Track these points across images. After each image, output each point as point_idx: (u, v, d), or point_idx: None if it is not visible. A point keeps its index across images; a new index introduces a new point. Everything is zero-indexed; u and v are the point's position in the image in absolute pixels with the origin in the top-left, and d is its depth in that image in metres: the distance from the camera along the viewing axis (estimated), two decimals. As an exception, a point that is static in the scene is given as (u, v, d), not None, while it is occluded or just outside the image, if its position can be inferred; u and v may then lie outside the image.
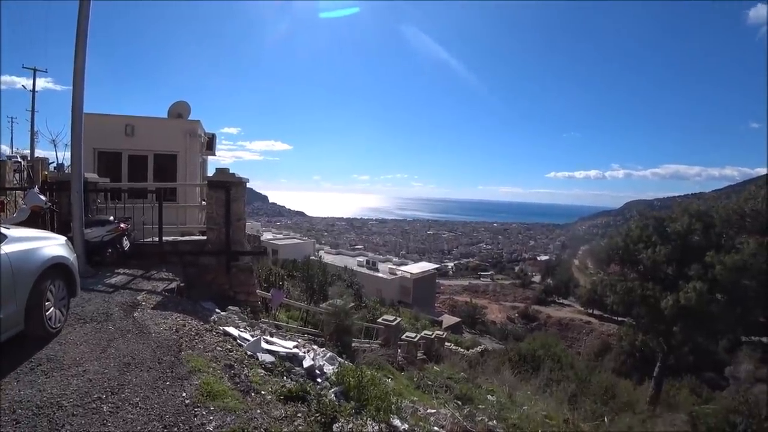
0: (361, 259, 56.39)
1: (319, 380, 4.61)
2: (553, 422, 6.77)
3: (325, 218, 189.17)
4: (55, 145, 21.63)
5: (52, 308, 4.14)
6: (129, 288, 6.28)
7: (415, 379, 8.72)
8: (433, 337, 15.37)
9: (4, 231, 3.81)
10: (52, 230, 6.60)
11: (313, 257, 36.53)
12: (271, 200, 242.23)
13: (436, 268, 62.49)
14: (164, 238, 8.00)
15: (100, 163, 11.41)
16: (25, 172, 16.13)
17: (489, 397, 8.31)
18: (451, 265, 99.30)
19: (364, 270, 48.73)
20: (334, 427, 3.39)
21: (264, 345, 5.02)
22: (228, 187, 7.61)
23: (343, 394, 4.18)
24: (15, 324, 3.66)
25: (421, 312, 35.48)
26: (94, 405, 3.10)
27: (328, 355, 5.82)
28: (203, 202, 10.35)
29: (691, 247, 22.28)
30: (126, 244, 7.65)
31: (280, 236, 55.34)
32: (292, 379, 4.30)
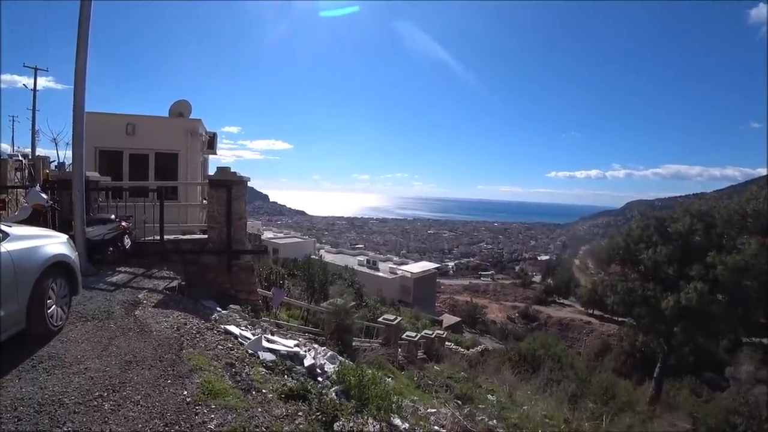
0: (361, 258, 56.40)
1: (320, 379, 4.62)
2: (553, 422, 6.77)
3: (325, 217, 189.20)
4: (56, 144, 21.70)
5: (53, 306, 4.15)
6: (130, 286, 6.29)
7: (416, 379, 8.72)
8: (433, 336, 15.37)
9: (6, 229, 3.82)
10: (54, 228, 6.61)
11: (314, 256, 36.56)
12: (271, 199, 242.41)
13: (437, 268, 62.49)
14: (165, 237, 8.01)
15: (101, 161, 11.41)
16: (27, 171, 16.14)
17: (489, 396, 8.32)
18: (451, 264, 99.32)
19: (365, 269, 48.73)
20: (335, 425, 3.39)
21: (265, 344, 5.03)
22: (229, 186, 7.63)
23: (344, 393, 4.18)
24: (17, 322, 3.66)
25: (422, 311, 35.49)
26: (96, 403, 3.11)
27: (328, 353, 5.84)
28: (204, 201, 10.36)
29: (693, 248, 22.25)
30: (127, 242, 7.67)
31: (281, 235, 55.32)
32: (293, 378, 4.30)
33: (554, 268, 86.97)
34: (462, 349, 20.36)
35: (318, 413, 3.49)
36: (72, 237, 5.33)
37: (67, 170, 11.30)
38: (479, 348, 23.98)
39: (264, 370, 4.31)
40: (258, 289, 8.43)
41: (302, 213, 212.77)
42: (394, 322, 12.25)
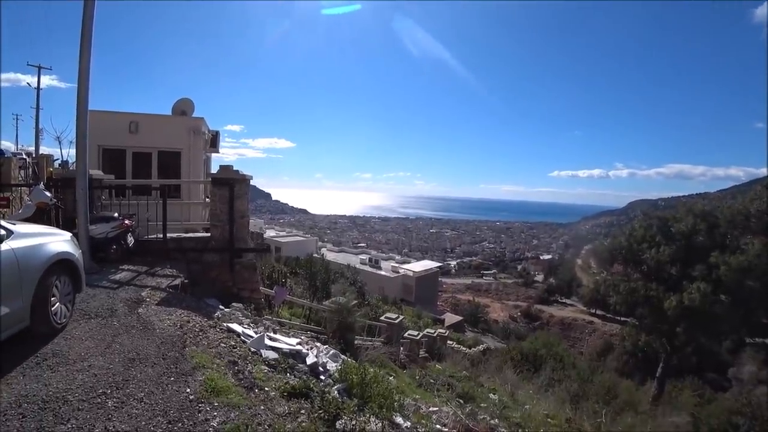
0: (363, 257, 56.46)
1: (322, 377, 4.63)
2: (555, 422, 6.78)
3: (327, 216, 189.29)
4: (59, 142, 21.71)
5: (57, 304, 4.16)
6: (133, 284, 6.31)
7: (418, 377, 8.73)
8: (435, 335, 15.38)
9: (10, 227, 3.83)
10: (57, 226, 6.64)
11: (316, 255, 36.59)
12: (274, 198, 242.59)
13: (439, 267, 62.55)
14: (168, 235, 8.03)
15: (104, 160, 11.45)
16: (30, 169, 16.17)
17: (491, 395, 8.31)
18: (453, 263, 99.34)
19: (367, 268, 48.78)
20: (337, 423, 3.40)
21: (267, 342, 5.05)
22: (232, 184, 7.64)
23: (346, 391, 4.19)
24: (21, 319, 3.68)
25: (424, 310, 35.51)
26: (99, 400, 3.12)
27: (331, 352, 5.84)
28: (207, 199, 10.38)
29: (696, 248, 22.21)
30: (130, 240, 7.69)
31: (283, 234, 55.44)
32: (295, 376, 4.31)
33: (556, 267, 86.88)
34: (464, 348, 20.37)
35: (320, 411, 3.50)
36: (75, 235, 5.36)
37: (71, 168, 11.35)
38: (481, 347, 23.97)
39: (266, 368, 4.32)
40: (260, 288, 8.44)
41: (304, 211, 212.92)
42: (396, 321, 12.26)
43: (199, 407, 3.21)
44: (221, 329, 5.22)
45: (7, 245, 3.60)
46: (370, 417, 3.65)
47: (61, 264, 4.27)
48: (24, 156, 18.36)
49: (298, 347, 5.20)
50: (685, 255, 22.47)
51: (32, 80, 31.97)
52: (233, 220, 7.67)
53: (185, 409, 3.17)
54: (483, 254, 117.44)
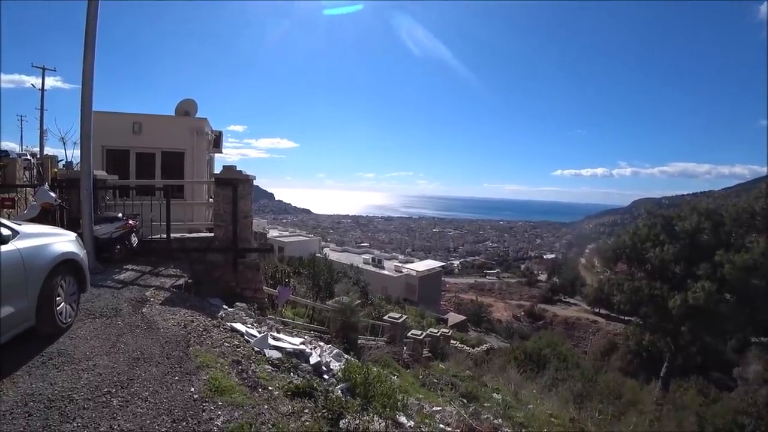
0: (366, 256, 56.44)
1: (325, 377, 4.63)
2: (559, 421, 6.76)
3: (330, 216, 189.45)
4: (63, 143, 21.81)
5: (62, 303, 4.19)
6: (137, 284, 6.34)
7: (421, 377, 8.74)
8: (438, 334, 15.38)
9: (15, 227, 3.86)
10: (62, 227, 6.68)
11: (319, 255, 36.62)
12: (277, 198, 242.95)
13: (442, 266, 62.47)
14: (172, 235, 8.05)
15: (108, 160, 11.51)
16: (35, 170, 16.27)
17: (494, 395, 8.30)
18: (456, 263, 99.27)
19: (370, 267, 48.74)
20: (341, 423, 3.40)
21: (271, 341, 5.06)
22: (235, 185, 7.66)
23: (350, 390, 4.20)
24: (27, 319, 3.70)
25: (427, 310, 35.50)
26: (105, 399, 3.14)
27: (334, 351, 5.85)
28: (210, 200, 10.42)
29: (700, 246, 22.11)
30: (134, 240, 7.72)
31: (286, 233, 55.48)
32: (299, 376, 4.32)
33: (560, 266, 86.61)
34: (467, 348, 20.38)
35: (324, 410, 3.51)
36: (80, 235, 5.38)
37: (75, 169, 11.40)
38: (484, 346, 23.97)
39: (270, 367, 4.33)
40: (264, 287, 8.46)
41: (307, 211, 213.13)
42: (400, 321, 12.26)
43: (204, 406, 3.23)
44: (225, 329, 5.24)
45: (13, 245, 3.63)
46: (373, 416, 3.66)
47: (66, 264, 4.29)
48: (29, 157, 18.47)
49: (302, 347, 5.21)
50: (690, 254, 22.38)
51: (36, 81, 32.18)
52: (236, 220, 7.69)
53: (189, 408, 3.19)
54: (486, 254, 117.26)
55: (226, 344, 4.66)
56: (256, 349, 4.77)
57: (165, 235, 7.97)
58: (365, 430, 3.41)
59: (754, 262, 18.93)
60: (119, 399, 3.17)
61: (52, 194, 7.78)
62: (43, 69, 31.82)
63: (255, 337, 5.11)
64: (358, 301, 10.92)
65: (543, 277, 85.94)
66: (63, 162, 20.11)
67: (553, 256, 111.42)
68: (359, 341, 9.92)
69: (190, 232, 9.23)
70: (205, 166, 13.22)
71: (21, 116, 37.51)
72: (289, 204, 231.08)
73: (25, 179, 14.94)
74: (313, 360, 4.88)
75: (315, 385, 3.95)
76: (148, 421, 2.96)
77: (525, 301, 69.93)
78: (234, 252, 7.71)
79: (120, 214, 7.79)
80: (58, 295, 4.11)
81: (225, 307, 6.50)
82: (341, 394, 3.99)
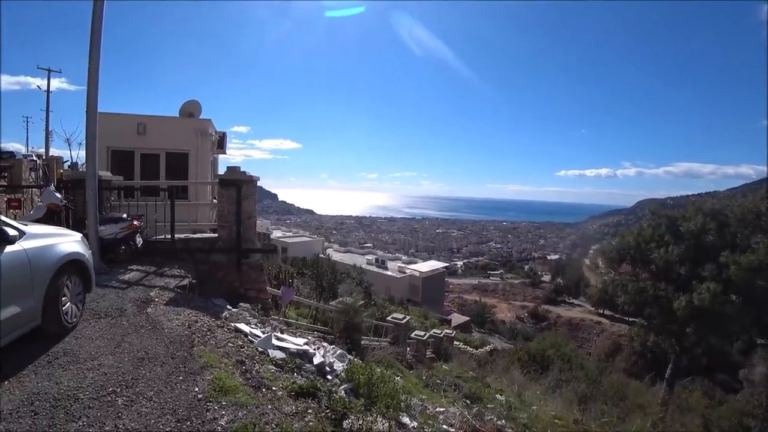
0: (370, 257, 56.43)
1: (329, 377, 4.64)
2: (563, 423, 6.72)
3: (334, 216, 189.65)
4: (69, 144, 21.98)
5: (68, 303, 4.22)
6: (142, 284, 6.37)
7: (424, 378, 8.72)
8: (442, 335, 15.35)
9: (22, 228, 3.89)
10: (68, 227, 6.72)
11: (323, 255, 36.67)
12: (280, 198, 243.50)
13: (446, 267, 62.31)
14: (176, 236, 8.10)
15: (113, 161, 11.58)
16: (41, 171, 16.41)
17: (498, 396, 8.28)
18: (460, 263, 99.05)
19: (374, 268, 48.73)
20: (344, 423, 3.41)
21: (275, 341, 5.07)
22: (239, 185, 7.69)
23: (353, 391, 4.20)
24: (33, 318, 3.73)
25: (430, 310, 35.43)
26: (110, 398, 3.16)
27: (337, 352, 5.85)
28: (214, 200, 10.46)
29: (705, 247, 21.97)
30: (139, 241, 7.77)
31: (290, 234, 55.59)
32: (302, 376, 4.33)
33: (564, 267, 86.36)
34: (471, 349, 20.32)
35: (327, 411, 3.51)
36: (85, 235, 5.42)
37: (81, 170, 11.49)
38: (488, 347, 23.89)
39: (274, 367, 4.34)
40: (267, 288, 8.48)
41: (311, 212, 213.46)
42: (403, 321, 12.25)
43: (208, 406, 3.24)
44: (229, 329, 5.26)
45: (20, 246, 3.65)
46: (377, 417, 3.66)
47: (72, 264, 4.31)
48: (34, 158, 18.63)
49: (305, 347, 5.22)
50: (695, 254, 22.23)
51: (42, 83, 32.42)
52: (240, 220, 7.72)
53: (194, 407, 3.20)
54: (490, 254, 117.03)
55: (230, 344, 4.68)
56: (259, 349, 4.78)
57: (169, 236, 8.02)
58: (368, 431, 3.41)
59: (760, 263, 18.79)
60: (124, 398, 3.19)
61: (58, 195, 7.83)
62: (49, 71, 32.12)
63: (259, 337, 5.13)
64: (362, 302, 10.92)
65: (547, 277, 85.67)
66: (68, 163, 20.29)
67: (556, 256, 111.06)
68: (362, 342, 9.93)
69: (194, 233, 9.28)
70: (209, 167, 13.27)
71: (27, 118, 37.87)
72: (293, 205, 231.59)
73: (31, 180, 15.08)
74: (316, 360, 4.89)
75: (318, 385, 3.96)
76: (152, 421, 2.97)
77: (529, 301, 69.73)
78: (238, 252, 7.73)
79: (125, 215, 7.84)
80: (64, 295, 4.14)
81: (229, 307, 6.52)
82: (344, 395, 3.99)
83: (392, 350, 10.06)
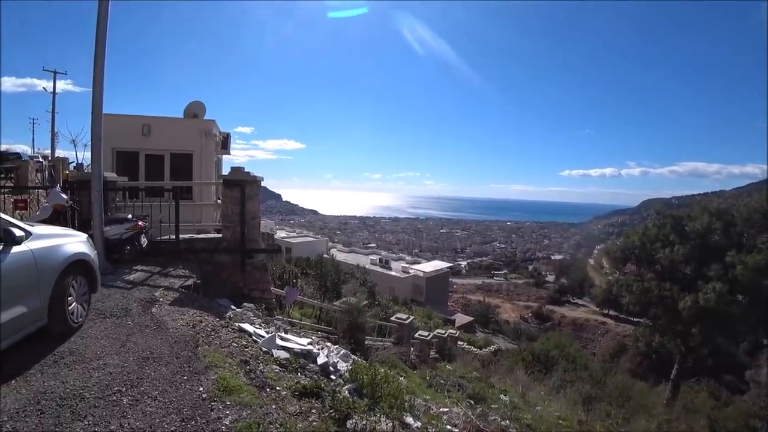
0: (374, 257, 56.48)
1: (333, 377, 4.65)
2: (567, 423, 6.70)
3: (337, 216, 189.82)
4: (74, 145, 22.16)
5: (74, 303, 4.24)
6: (147, 284, 6.40)
7: (428, 378, 8.71)
8: (445, 335, 15.34)
9: (28, 228, 3.92)
10: (73, 228, 6.76)
11: (326, 255, 36.70)
12: (284, 198, 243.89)
13: (449, 267, 62.31)
14: (181, 236, 8.12)
15: (118, 162, 11.64)
16: (47, 172, 16.54)
17: (502, 396, 8.26)
18: (464, 263, 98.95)
19: (377, 268, 48.78)
20: (348, 423, 3.41)
21: (279, 341, 5.08)
22: (243, 186, 7.70)
23: (357, 391, 4.20)
24: (39, 318, 3.76)
25: (434, 311, 35.40)
26: (115, 397, 3.18)
27: (341, 352, 5.86)
28: (218, 201, 10.49)
29: (711, 247, 21.82)
30: (144, 241, 7.80)
31: (294, 234, 55.69)
32: (306, 376, 4.34)
33: (568, 267, 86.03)
34: (475, 349, 20.27)
35: (331, 411, 3.52)
36: (91, 236, 5.45)
37: (86, 171, 11.56)
38: (492, 348, 23.82)
39: (278, 367, 4.35)
40: (271, 288, 8.50)
41: (314, 212, 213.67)
42: (407, 321, 12.26)
43: (212, 405, 3.25)
44: (233, 329, 5.28)
45: (26, 246, 3.69)
46: (380, 417, 3.66)
47: (78, 264, 4.34)
48: (40, 159, 18.79)
49: (309, 347, 5.23)
50: (700, 254, 22.08)
51: (48, 85, 32.72)
52: (244, 221, 7.73)
53: (198, 407, 3.22)
54: (493, 254, 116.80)
55: (235, 344, 4.69)
56: (264, 349, 4.79)
57: (174, 236, 8.05)
58: (372, 431, 3.41)
59: (766, 263, 18.64)
60: (129, 398, 3.21)
61: (64, 196, 7.88)
62: (54, 73, 32.38)
63: (263, 337, 5.14)
64: (366, 302, 10.93)
65: (551, 278, 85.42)
66: (74, 164, 20.43)
67: (561, 256, 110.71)
68: (366, 342, 9.93)
69: (198, 233, 9.31)
70: (214, 168, 13.32)
71: (33, 119, 38.17)
72: (297, 205, 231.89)
73: (37, 181, 15.20)
74: (320, 360, 4.89)
75: (322, 385, 3.96)
76: (157, 420, 2.99)
77: (533, 302, 69.55)
78: (242, 253, 7.75)
79: (130, 216, 7.87)
80: (70, 295, 4.17)
81: (233, 307, 6.54)
82: (348, 395, 4.00)
83: (396, 350, 10.06)
